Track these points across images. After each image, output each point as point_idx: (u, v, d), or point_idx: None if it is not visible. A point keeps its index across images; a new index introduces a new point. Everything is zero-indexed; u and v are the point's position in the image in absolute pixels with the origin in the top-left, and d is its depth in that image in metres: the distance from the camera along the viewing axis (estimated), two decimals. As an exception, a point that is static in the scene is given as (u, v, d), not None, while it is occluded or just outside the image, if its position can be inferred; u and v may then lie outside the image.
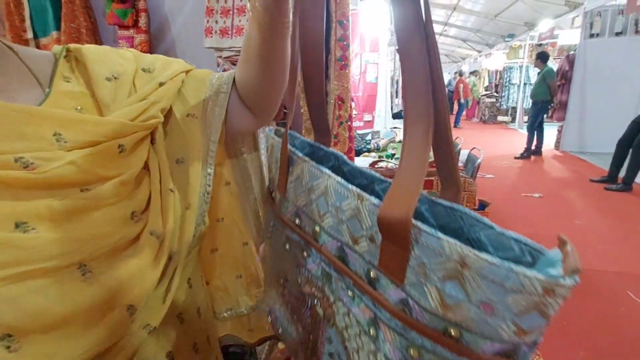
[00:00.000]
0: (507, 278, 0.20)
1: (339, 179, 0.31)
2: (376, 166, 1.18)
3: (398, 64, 8.02)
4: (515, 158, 5.21)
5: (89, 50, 0.40)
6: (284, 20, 0.39)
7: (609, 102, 5.27)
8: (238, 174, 0.56)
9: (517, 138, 6.78)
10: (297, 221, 0.36)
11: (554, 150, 5.75)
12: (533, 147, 5.34)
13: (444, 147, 0.29)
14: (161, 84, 0.41)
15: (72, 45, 0.40)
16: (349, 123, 1.18)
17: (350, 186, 0.29)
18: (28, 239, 0.28)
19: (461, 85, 9.41)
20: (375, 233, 0.27)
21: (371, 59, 2.83)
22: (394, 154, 2.35)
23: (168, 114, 0.42)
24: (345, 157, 0.40)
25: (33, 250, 0.28)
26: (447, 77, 11.92)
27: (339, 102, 1.14)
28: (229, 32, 1.32)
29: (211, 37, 1.34)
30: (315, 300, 0.35)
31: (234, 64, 1.39)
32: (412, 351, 0.25)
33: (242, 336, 0.58)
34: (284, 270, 0.40)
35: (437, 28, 11.77)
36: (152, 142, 0.40)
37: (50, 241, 0.29)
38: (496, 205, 3.26)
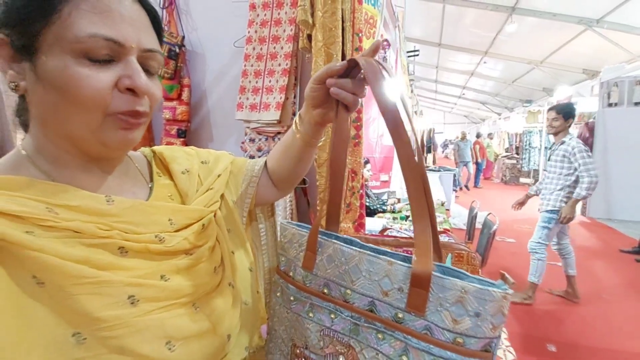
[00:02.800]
0: (487, 294, 0.36)
1: (369, 252, 0.44)
2: (385, 233, 1.24)
3: (422, 125, 8.22)
4: (539, 222, 5.06)
5: (167, 152, 0.56)
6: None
7: (635, 169, 5.17)
8: (256, 234, 0.67)
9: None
10: (326, 290, 0.47)
11: (580, 217, 5.56)
12: (557, 212, 5.20)
13: (433, 229, 0.43)
14: (219, 176, 0.56)
15: (155, 148, 0.57)
16: (360, 192, 1.27)
17: (380, 256, 0.43)
18: (169, 285, 0.42)
19: (477, 147, 9.51)
20: (404, 284, 0.40)
21: (388, 124, 3.01)
22: (408, 216, 2.39)
23: (221, 196, 0.56)
24: (357, 240, 0.49)
25: (173, 292, 0.41)
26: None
27: (352, 175, 1.25)
28: (258, 107, 1.50)
29: (242, 110, 1.52)
30: (340, 357, 0.45)
31: (259, 134, 1.55)
32: None
33: None
34: (303, 338, 0.48)
35: (455, 91, 12.28)
36: (215, 216, 0.53)
37: (180, 286, 0.43)
38: (518, 273, 3.13)
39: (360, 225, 1.26)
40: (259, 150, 1.56)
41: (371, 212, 2.62)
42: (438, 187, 4.29)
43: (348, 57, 1.23)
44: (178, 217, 0.46)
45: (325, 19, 1.16)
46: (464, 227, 3.83)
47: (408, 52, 3.75)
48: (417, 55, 3.80)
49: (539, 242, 2.63)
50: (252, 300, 0.55)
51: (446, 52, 8.08)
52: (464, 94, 12.33)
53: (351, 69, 0.49)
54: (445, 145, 17.28)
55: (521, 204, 2.91)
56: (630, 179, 5.16)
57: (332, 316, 0.46)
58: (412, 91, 4.48)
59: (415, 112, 6.72)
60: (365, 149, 2.88)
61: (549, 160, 2.72)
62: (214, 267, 0.49)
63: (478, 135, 10.20)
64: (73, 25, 0.36)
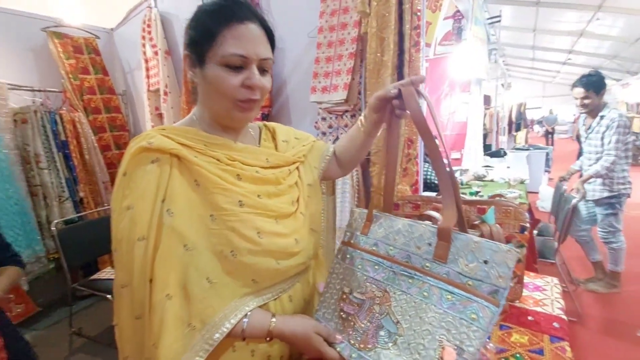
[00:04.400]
0: (494, 247, 0.48)
1: (409, 220, 0.61)
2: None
3: (504, 101, 7.38)
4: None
5: (275, 127, 0.82)
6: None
7: None
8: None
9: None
10: (374, 248, 0.64)
11: None
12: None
13: (457, 205, 0.58)
14: (304, 145, 0.82)
15: (267, 123, 0.83)
16: (417, 159, 1.40)
17: (418, 222, 0.60)
18: (261, 201, 0.65)
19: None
20: (432, 240, 0.55)
21: (462, 99, 2.94)
22: (478, 192, 2.37)
23: (305, 159, 0.81)
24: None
25: (263, 206, 0.64)
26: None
27: (408, 143, 1.38)
28: (328, 89, 1.71)
29: (315, 93, 1.76)
30: (376, 300, 0.59)
31: (330, 113, 1.77)
32: (448, 296, 0.51)
33: None
34: (350, 285, 0.65)
35: (558, 57, 10.60)
36: (298, 171, 0.77)
37: (267, 204, 0.65)
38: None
39: (415, 190, 1.40)
40: (330, 127, 1.79)
41: (434, 188, 2.65)
42: (523, 166, 3.98)
43: (407, 36, 1.35)
44: (272, 158, 0.71)
45: (380, 7, 1.29)
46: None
47: (488, 18, 3.49)
48: (499, 21, 3.50)
49: (609, 231, 2.33)
50: (317, 229, 0.77)
51: (547, 12, 7.02)
52: (569, 60, 10.54)
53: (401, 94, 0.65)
54: (540, 122, 14.83)
55: (565, 180, 2.60)
56: None
57: (376, 267, 0.62)
58: (495, 61, 4.15)
59: (502, 85, 6.13)
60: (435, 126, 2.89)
61: (586, 139, 2.35)
62: (292, 200, 0.72)
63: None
64: (222, 47, 0.59)
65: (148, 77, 2.65)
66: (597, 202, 2.35)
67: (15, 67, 2.60)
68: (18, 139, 2.41)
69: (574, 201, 2.14)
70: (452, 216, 0.54)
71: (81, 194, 2.67)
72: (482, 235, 0.80)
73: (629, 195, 2.29)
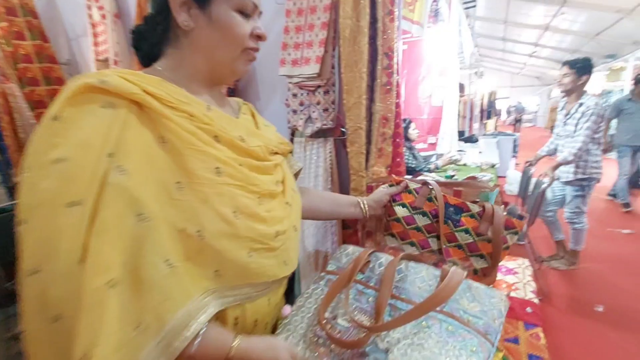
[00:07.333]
0: (493, 293, 0.56)
1: (411, 262, 0.64)
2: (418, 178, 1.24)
3: (482, 89, 7.59)
4: (609, 195, 4.51)
5: (254, 110, 0.74)
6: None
7: None
8: None
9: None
10: (372, 283, 0.63)
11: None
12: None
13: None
14: (285, 142, 0.74)
15: (246, 102, 0.74)
16: (392, 139, 1.29)
17: (420, 264, 0.63)
18: (243, 171, 0.55)
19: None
20: (433, 281, 0.60)
21: (438, 83, 2.87)
22: (453, 176, 2.33)
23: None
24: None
25: (245, 177, 0.55)
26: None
27: (383, 121, 1.27)
28: (299, 62, 1.55)
29: (284, 66, 1.59)
30: (363, 330, 0.54)
31: (301, 88, 1.61)
32: (449, 327, 0.52)
33: None
34: (334, 312, 0.61)
35: (525, 49, 10.95)
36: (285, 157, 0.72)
37: (250, 178, 0.56)
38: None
39: (397, 173, 1.30)
40: (301, 104, 1.63)
41: (415, 172, 2.60)
42: (493, 151, 4.06)
43: (379, 3, 1.21)
44: (251, 137, 0.60)
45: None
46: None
47: (464, 2, 3.43)
48: (474, 6, 3.46)
49: (575, 212, 2.45)
50: (298, 229, 0.67)
51: (517, 4, 7.16)
52: (535, 52, 10.94)
53: None
54: (509, 112, 15.67)
55: (532, 165, 2.74)
56: None
57: (370, 299, 0.60)
58: (475, 46, 4.13)
59: (475, 73, 6.22)
60: (413, 110, 2.82)
61: (564, 125, 2.43)
62: (277, 180, 0.63)
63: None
64: None
65: (96, 44, 2.34)
66: (570, 183, 2.44)
67: None
68: None
69: (543, 186, 2.18)
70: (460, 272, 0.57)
71: (16, 180, 2.35)
72: (483, 210, 0.78)
73: (598, 180, 2.39)
